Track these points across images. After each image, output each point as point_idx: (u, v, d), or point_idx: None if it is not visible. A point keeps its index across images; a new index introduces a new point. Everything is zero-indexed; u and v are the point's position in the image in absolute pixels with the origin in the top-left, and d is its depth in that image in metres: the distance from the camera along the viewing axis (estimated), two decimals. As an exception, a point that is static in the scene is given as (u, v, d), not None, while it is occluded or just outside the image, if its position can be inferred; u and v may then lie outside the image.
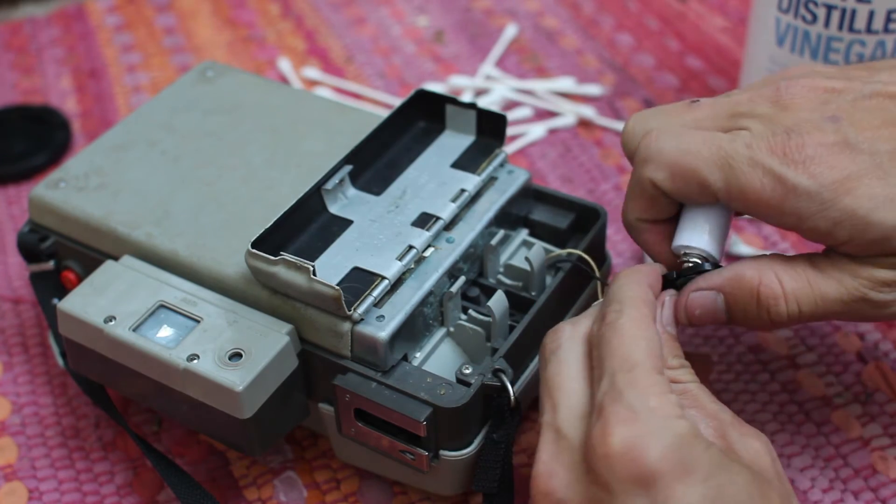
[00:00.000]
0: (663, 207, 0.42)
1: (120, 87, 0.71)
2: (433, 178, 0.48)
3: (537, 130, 0.65)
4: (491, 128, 0.49)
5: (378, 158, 0.49)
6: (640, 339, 0.37)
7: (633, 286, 0.39)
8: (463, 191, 0.47)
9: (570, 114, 0.66)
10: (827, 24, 0.54)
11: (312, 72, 0.70)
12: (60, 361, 0.50)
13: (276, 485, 0.48)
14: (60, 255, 0.50)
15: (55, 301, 0.50)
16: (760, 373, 0.51)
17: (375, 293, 0.43)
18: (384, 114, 0.51)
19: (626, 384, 0.35)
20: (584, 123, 0.66)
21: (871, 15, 0.53)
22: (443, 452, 0.42)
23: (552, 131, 0.66)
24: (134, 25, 0.77)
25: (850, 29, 0.54)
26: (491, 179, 0.48)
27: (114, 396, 0.50)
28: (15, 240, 0.60)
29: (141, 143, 0.52)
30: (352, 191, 0.48)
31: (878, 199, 0.37)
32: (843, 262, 0.39)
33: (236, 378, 0.41)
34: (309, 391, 0.45)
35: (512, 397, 0.41)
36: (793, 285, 0.40)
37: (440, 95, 0.50)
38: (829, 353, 0.52)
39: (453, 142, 0.50)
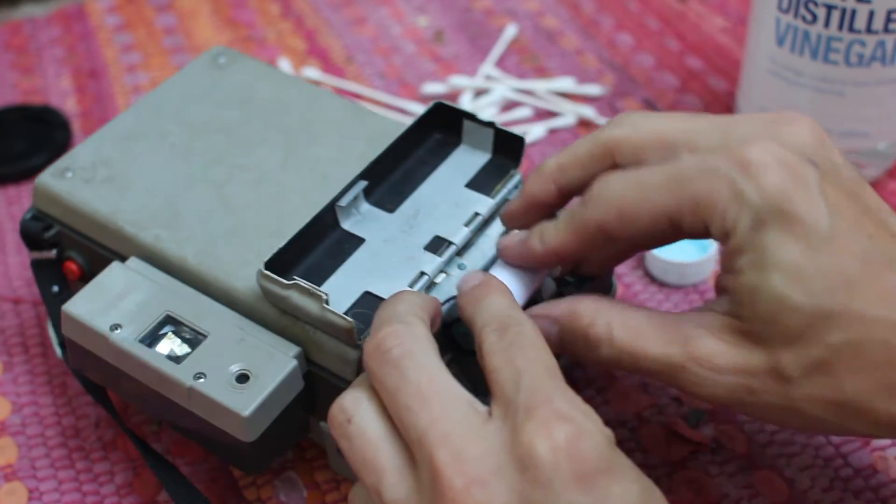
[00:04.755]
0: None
1: (120, 87, 0.71)
2: (447, 197, 0.47)
3: (537, 130, 0.65)
4: (508, 148, 0.49)
5: (392, 172, 0.48)
6: (548, 350, 0.36)
7: (512, 306, 0.39)
8: (476, 214, 0.47)
9: (570, 114, 0.66)
10: (827, 24, 0.54)
11: (312, 72, 0.70)
12: (59, 352, 0.50)
13: (277, 485, 0.48)
14: (63, 245, 0.49)
15: (55, 289, 0.49)
16: (760, 373, 0.51)
17: None
18: (397, 118, 0.50)
19: (553, 389, 0.35)
20: (584, 123, 0.66)
21: (871, 15, 0.53)
22: None
23: (552, 131, 0.66)
24: (134, 25, 0.77)
25: (850, 29, 0.54)
26: (504, 202, 0.48)
27: (113, 396, 0.50)
28: (15, 240, 0.60)
29: (151, 133, 0.51)
30: (365, 206, 0.47)
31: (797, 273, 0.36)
32: (685, 326, 0.39)
33: (243, 403, 0.41)
34: (310, 408, 0.44)
35: None
36: (620, 334, 0.39)
37: (459, 110, 0.49)
38: (829, 353, 0.52)
39: (468, 159, 0.49)
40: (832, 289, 0.36)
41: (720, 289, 0.39)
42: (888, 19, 0.53)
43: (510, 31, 0.73)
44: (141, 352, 0.42)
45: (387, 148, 0.47)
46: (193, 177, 0.49)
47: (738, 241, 0.37)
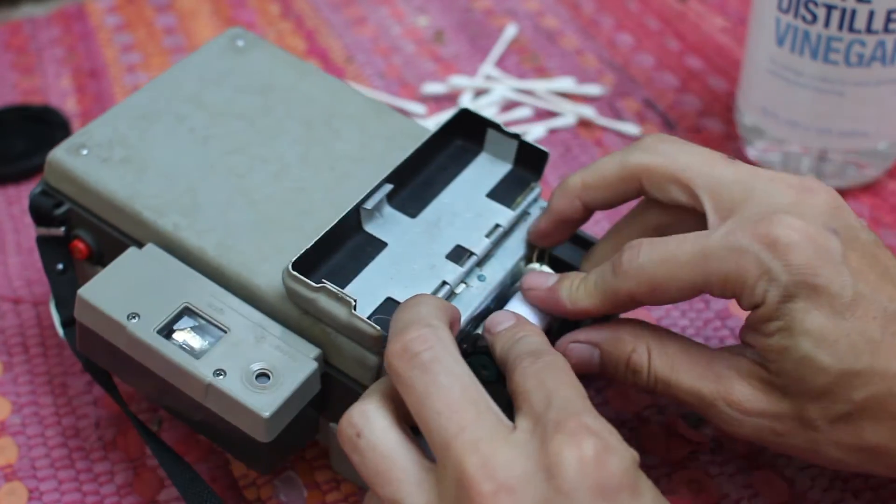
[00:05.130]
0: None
1: (120, 87, 0.71)
2: (469, 206, 0.47)
3: (537, 130, 0.65)
4: (530, 161, 0.48)
5: (415, 176, 0.48)
6: (577, 379, 0.37)
7: (535, 336, 0.40)
8: (497, 226, 0.46)
9: (570, 114, 0.66)
10: (827, 24, 0.54)
11: (312, 72, 0.70)
12: (61, 332, 0.49)
13: (277, 485, 0.48)
14: (73, 223, 0.48)
15: (60, 266, 0.49)
16: (760, 373, 0.51)
17: None
18: (416, 119, 0.49)
19: (584, 407, 0.35)
20: (584, 123, 0.66)
21: (871, 15, 0.53)
22: None
23: (552, 131, 0.66)
24: (134, 25, 0.77)
25: (850, 29, 0.54)
26: (524, 214, 0.48)
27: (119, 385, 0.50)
28: (15, 240, 0.60)
29: (168, 115, 0.50)
30: (388, 209, 0.47)
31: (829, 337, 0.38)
32: (718, 365, 0.41)
33: (264, 403, 0.40)
34: (322, 409, 0.44)
35: None
36: (658, 363, 0.42)
37: (484, 119, 0.49)
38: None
39: (489, 168, 0.49)
40: (857, 351, 0.38)
41: (745, 341, 0.41)
42: (888, 19, 0.53)
43: (510, 31, 0.73)
44: (159, 344, 0.42)
45: (413, 152, 0.47)
46: (213, 164, 0.48)
47: (766, 310, 0.39)
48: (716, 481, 0.47)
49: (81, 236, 0.48)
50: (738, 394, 0.40)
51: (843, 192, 0.60)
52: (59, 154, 0.48)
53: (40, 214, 0.48)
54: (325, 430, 0.45)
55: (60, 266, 0.49)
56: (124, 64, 0.73)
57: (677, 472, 0.47)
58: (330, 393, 0.43)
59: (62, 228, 0.49)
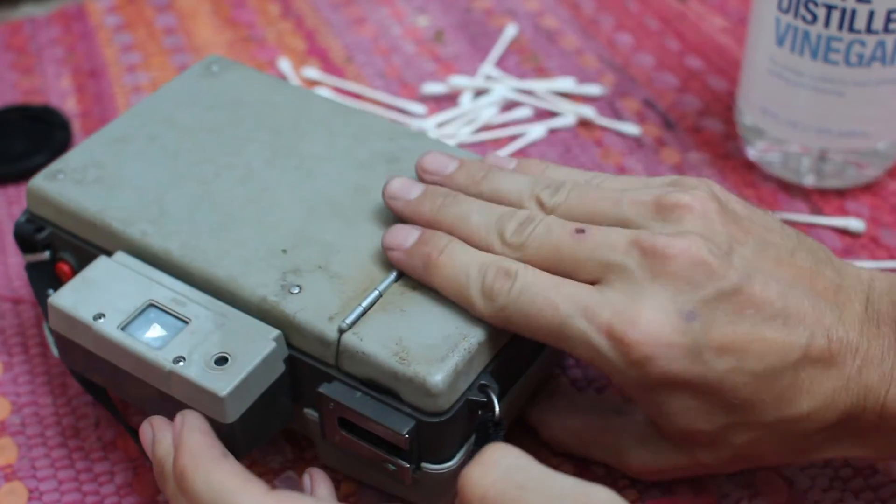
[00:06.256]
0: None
1: (120, 87, 0.71)
2: None
3: (537, 130, 0.65)
4: None
5: None
6: None
7: None
8: None
9: (570, 114, 0.66)
10: (827, 24, 0.54)
11: (312, 72, 0.70)
12: (55, 352, 0.49)
13: (277, 485, 0.48)
14: (56, 246, 0.50)
15: (49, 291, 0.50)
16: (760, 373, 0.51)
17: (365, 304, 0.43)
18: (417, 120, 0.50)
19: None
20: (584, 123, 0.66)
21: (871, 15, 0.53)
22: (425, 465, 0.42)
23: (552, 131, 0.66)
24: (134, 25, 0.77)
25: (850, 29, 0.54)
26: None
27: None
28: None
29: (141, 136, 0.52)
30: None
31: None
32: (616, 436, 0.46)
33: (220, 383, 0.41)
34: (295, 396, 0.45)
35: (497, 412, 0.41)
36: (569, 442, 0.47)
37: None
38: (829, 353, 0.52)
39: None
40: (731, 410, 0.40)
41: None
42: (888, 19, 0.53)
43: (510, 31, 0.73)
44: (122, 338, 0.43)
45: None
46: (181, 175, 0.49)
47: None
48: (716, 481, 0.47)
49: (65, 258, 0.50)
50: (638, 461, 0.44)
51: (844, 192, 0.60)
52: (38, 181, 0.50)
53: (24, 241, 0.50)
54: (301, 418, 0.45)
55: (50, 291, 0.50)
56: (124, 64, 0.73)
57: (677, 472, 0.47)
58: (297, 376, 0.44)
59: (47, 253, 0.50)
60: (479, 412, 0.42)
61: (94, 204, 0.48)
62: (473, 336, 0.42)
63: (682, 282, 0.39)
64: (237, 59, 0.73)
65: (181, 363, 0.42)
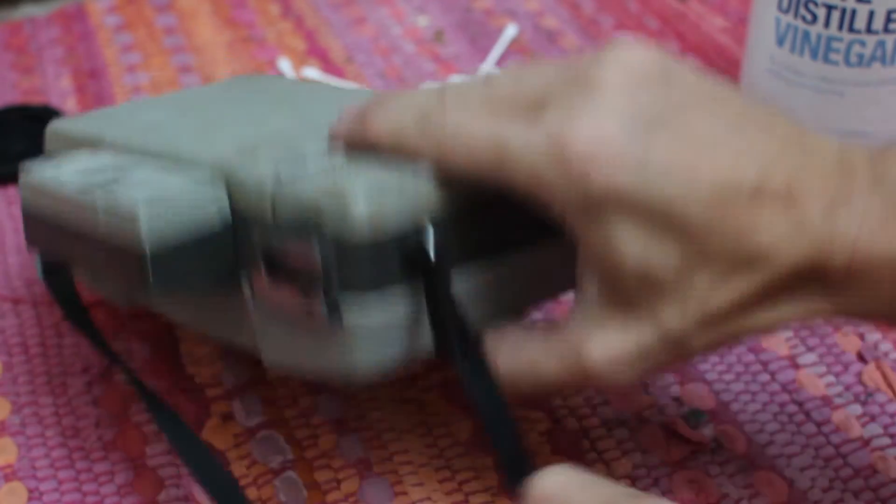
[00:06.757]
0: None
1: (120, 87, 0.71)
2: None
3: (537, 130, 0.65)
4: None
5: None
6: None
7: None
8: None
9: (570, 114, 0.66)
10: (827, 24, 0.54)
11: (312, 72, 0.70)
12: (40, 273, 0.50)
13: (277, 485, 0.48)
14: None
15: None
16: (761, 373, 0.51)
17: (311, 167, 0.42)
18: (343, 85, 0.51)
19: None
20: (584, 123, 0.66)
21: (871, 15, 0.53)
22: (343, 303, 0.39)
23: (552, 131, 0.66)
24: (134, 25, 0.77)
25: (850, 29, 0.54)
26: None
27: (111, 396, 0.50)
28: (15, 240, 0.60)
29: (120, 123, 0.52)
30: None
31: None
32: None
33: (135, 199, 0.39)
34: (237, 260, 0.42)
35: (431, 257, 0.39)
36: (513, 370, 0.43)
37: None
38: (829, 353, 0.52)
39: None
40: (685, 238, 0.38)
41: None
42: (888, 19, 0.53)
43: (510, 31, 0.73)
44: (52, 181, 0.43)
45: None
46: (151, 130, 0.49)
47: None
48: (716, 481, 0.47)
49: None
50: (596, 348, 0.40)
51: (843, 192, 0.60)
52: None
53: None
54: (246, 318, 0.43)
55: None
56: (124, 64, 0.73)
57: (677, 472, 0.47)
58: (238, 238, 0.42)
59: None
60: (412, 256, 0.39)
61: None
62: (416, 179, 0.40)
63: (623, 97, 0.39)
64: (237, 58, 0.73)
65: (106, 193, 0.40)
